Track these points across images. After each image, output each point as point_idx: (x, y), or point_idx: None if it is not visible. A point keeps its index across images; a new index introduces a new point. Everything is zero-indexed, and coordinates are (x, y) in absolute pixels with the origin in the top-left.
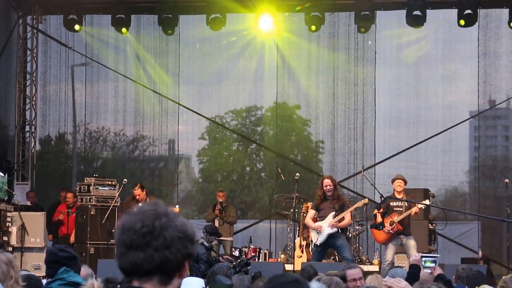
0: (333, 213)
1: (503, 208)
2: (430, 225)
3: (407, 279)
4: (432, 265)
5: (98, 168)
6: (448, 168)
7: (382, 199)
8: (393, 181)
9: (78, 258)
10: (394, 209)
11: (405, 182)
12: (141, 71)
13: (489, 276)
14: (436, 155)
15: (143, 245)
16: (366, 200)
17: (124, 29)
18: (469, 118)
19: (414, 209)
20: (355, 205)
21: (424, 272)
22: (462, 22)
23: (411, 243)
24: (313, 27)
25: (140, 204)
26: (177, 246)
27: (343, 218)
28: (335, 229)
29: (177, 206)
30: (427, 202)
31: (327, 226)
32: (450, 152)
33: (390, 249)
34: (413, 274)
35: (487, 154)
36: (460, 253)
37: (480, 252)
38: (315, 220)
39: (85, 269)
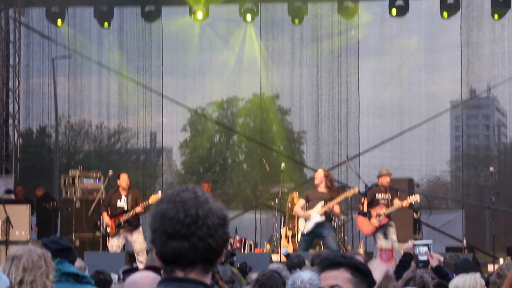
0: (322, 202)
1: (485, 197)
2: (415, 214)
3: (398, 267)
4: (425, 249)
5: (81, 161)
6: (432, 157)
7: (368, 187)
8: (379, 177)
9: (72, 249)
10: (380, 201)
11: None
12: (124, 64)
13: (475, 264)
14: (420, 145)
15: (187, 235)
16: (356, 190)
17: (105, 23)
18: (451, 108)
19: (404, 203)
20: (344, 194)
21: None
22: (445, 14)
23: (391, 229)
24: (296, 20)
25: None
26: (219, 234)
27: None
28: (322, 218)
29: (159, 192)
30: (417, 197)
31: (315, 214)
32: (434, 141)
33: (379, 238)
34: (404, 262)
35: (469, 143)
36: (445, 242)
37: (464, 241)
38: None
39: (78, 262)
